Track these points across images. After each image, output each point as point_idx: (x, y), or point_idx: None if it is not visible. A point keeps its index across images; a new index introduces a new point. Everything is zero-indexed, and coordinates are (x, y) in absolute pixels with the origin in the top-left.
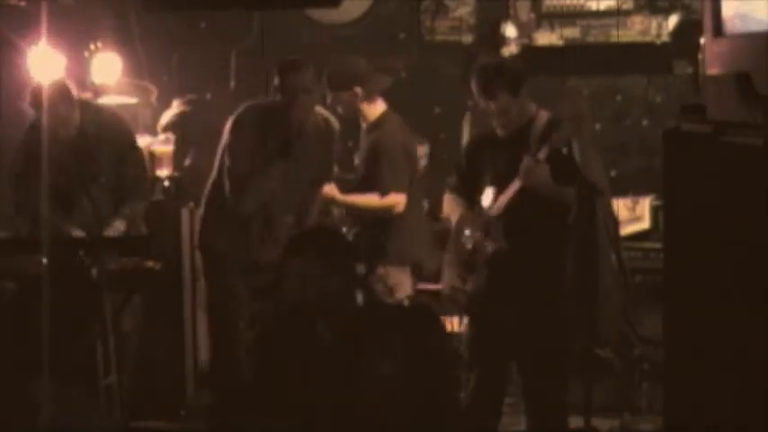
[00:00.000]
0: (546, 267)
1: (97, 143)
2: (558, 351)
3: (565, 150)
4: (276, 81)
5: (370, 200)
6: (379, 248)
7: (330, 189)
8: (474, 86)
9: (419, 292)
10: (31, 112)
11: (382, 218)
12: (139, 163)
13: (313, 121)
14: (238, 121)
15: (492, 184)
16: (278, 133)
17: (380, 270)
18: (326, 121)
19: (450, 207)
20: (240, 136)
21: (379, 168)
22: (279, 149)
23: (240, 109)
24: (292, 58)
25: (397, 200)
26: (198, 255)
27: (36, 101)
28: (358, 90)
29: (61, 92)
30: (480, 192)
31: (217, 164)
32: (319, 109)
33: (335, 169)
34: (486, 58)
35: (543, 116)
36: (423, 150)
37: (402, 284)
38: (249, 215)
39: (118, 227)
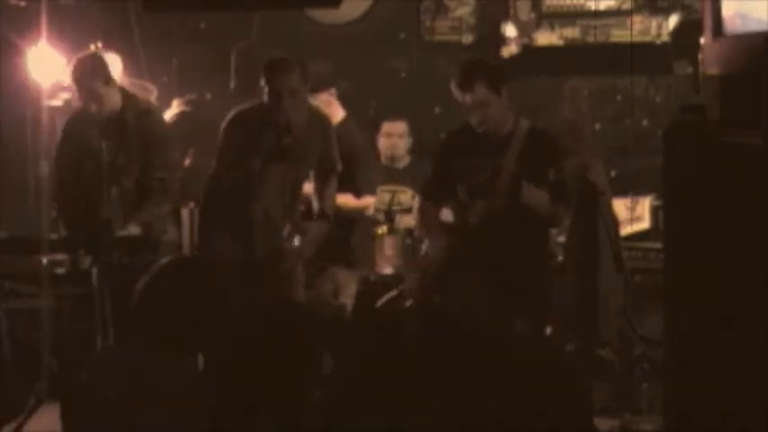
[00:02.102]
0: (527, 279)
1: (133, 134)
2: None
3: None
4: (262, 82)
5: (346, 200)
6: (345, 249)
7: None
8: (452, 83)
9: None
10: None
11: (348, 218)
12: (167, 164)
13: (303, 119)
14: (228, 127)
15: (469, 197)
16: (268, 135)
17: (330, 269)
18: (317, 112)
19: (423, 221)
20: (231, 142)
21: (354, 171)
22: (270, 152)
23: (231, 114)
24: (279, 58)
25: (370, 202)
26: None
27: (74, 74)
28: (333, 91)
29: (94, 64)
30: (450, 198)
31: (214, 170)
32: (308, 103)
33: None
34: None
35: (524, 125)
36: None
37: (348, 286)
38: (251, 220)
39: (131, 231)
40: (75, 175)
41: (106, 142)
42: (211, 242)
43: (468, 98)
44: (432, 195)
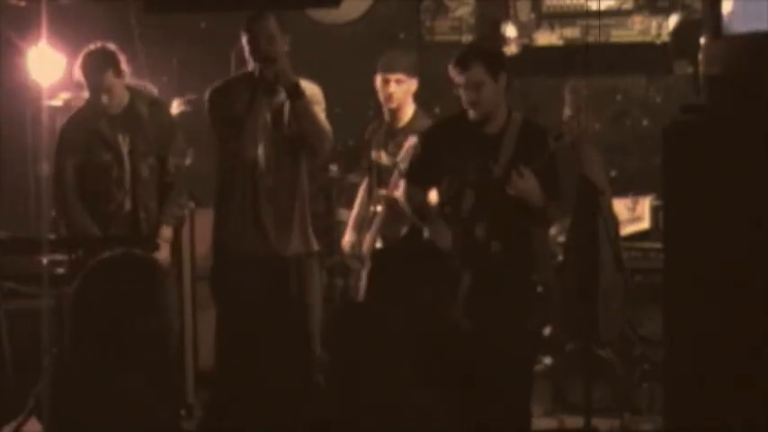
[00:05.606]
0: (519, 273)
1: (147, 123)
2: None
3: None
4: (243, 39)
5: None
6: None
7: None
8: (450, 66)
9: None
10: (80, 79)
11: None
12: (182, 151)
13: (284, 60)
14: (209, 98)
15: (458, 189)
16: (252, 84)
17: None
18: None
19: (411, 205)
20: (216, 106)
21: None
22: (259, 89)
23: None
24: (253, 14)
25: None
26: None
27: (84, 65)
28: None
29: (105, 55)
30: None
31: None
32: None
33: (334, 169)
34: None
35: (518, 118)
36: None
37: None
38: (252, 159)
39: (164, 233)
40: (83, 172)
41: (122, 134)
42: (223, 235)
43: (463, 78)
44: (418, 180)
